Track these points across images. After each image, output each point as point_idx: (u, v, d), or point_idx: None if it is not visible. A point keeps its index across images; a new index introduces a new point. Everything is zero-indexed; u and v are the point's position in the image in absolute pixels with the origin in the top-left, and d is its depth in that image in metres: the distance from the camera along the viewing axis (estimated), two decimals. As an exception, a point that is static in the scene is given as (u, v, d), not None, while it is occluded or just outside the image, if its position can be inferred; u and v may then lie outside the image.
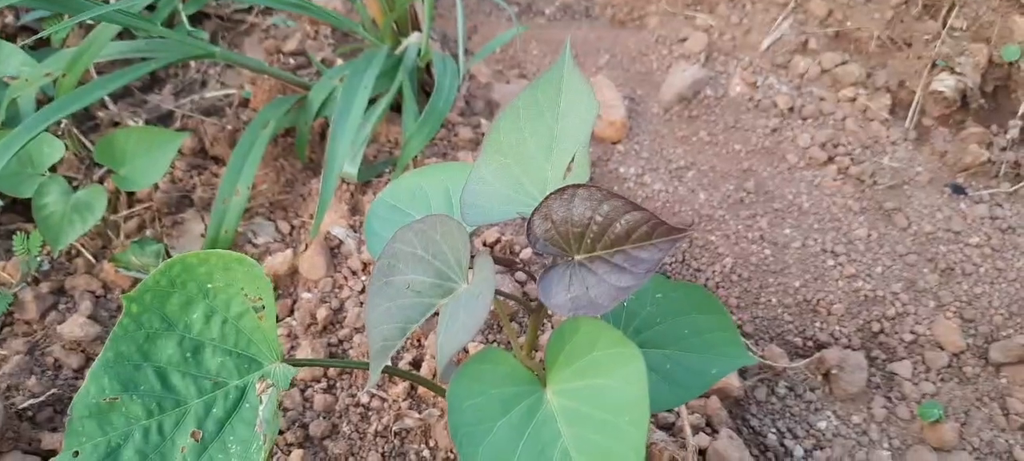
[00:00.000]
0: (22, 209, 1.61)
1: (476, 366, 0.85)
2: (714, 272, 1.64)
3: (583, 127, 0.93)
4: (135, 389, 0.93)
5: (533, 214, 0.83)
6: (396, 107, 1.66)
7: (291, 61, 1.89)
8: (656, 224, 0.80)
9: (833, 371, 1.47)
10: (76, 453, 0.90)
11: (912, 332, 1.55)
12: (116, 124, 1.80)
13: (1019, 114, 1.86)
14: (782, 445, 1.40)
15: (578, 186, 0.81)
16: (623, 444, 0.78)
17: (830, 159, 1.84)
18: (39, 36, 1.95)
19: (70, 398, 1.31)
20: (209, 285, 0.96)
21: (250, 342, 0.96)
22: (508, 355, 0.87)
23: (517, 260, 1.47)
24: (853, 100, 1.95)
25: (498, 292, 0.94)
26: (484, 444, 0.81)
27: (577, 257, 0.84)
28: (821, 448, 1.40)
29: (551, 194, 0.82)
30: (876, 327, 1.56)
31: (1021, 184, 1.79)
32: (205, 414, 0.94)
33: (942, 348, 1.54)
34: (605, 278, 0.82)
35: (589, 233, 0.82)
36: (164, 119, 1.83)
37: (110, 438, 0.92)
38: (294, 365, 0.96)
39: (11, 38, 1.98)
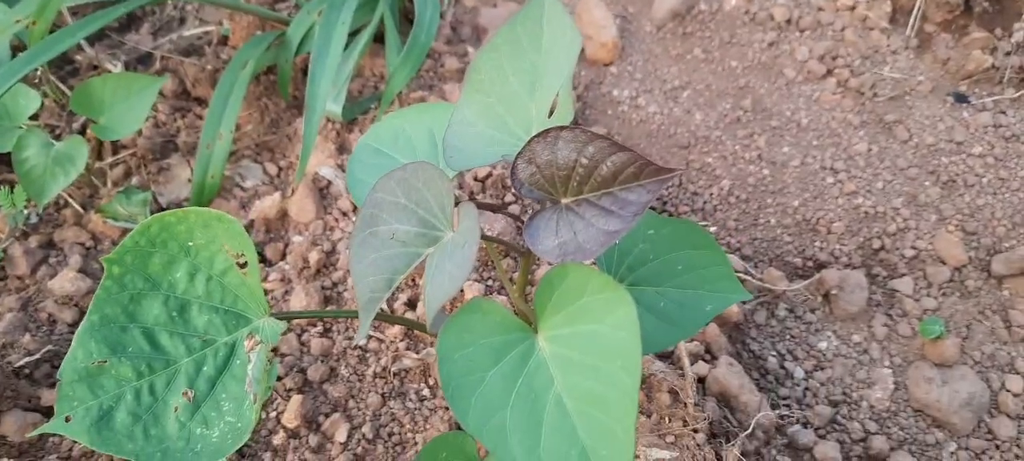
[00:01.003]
0: (5, 158, 1.58)
1: (465, 317, 0.83)
2: (712, 195, 1.61)
3: (566, 62, 0.90)
4: (123, 351, 0.92)
5: (517, 158, 0.80)
6: (380, 38, 1.61)
7: (270, -6, 1.83)
8: (643, 164, 0.78)
9: (833, 291, 1.46)
10: (68, 418, 0.89)
11: (913, 247, 1.53)
12: (95, 68, 1.76)
13: (1024, 16, 1.80)
14: (783, 367, 1.40)
15: (562, 128, 0.78)
16: (616, 390, 0.77)
17: (829, 72, 1.79)
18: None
19: (66, 353, 1.30)
20: (190, 243, 0.94)
21: (236, 298, 0.94)
22: (497, 304, 0.85)
23: (505, 201, 1.45)
24: (852, 8, 1.89)
25: (486, 236, 0.92)
26: (476, 395, 0.80)
27: (564, 200, 0.82)
28: (822, 369, 1.40)
29: (534, 137, 0.79)
30: (877, 244, 1.54)
31: (1025, 89, 1.74)
32: (196, 373, 0.93)
33: (944, 262, 1.52)
34: (593, 222, 0.80)
35: (575, 176, 0.80)
36: (143, 60, 1.78)
37: (102, 401, 0.91)
38: (282, 319, 0.95)
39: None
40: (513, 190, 0.82)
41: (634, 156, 0.76)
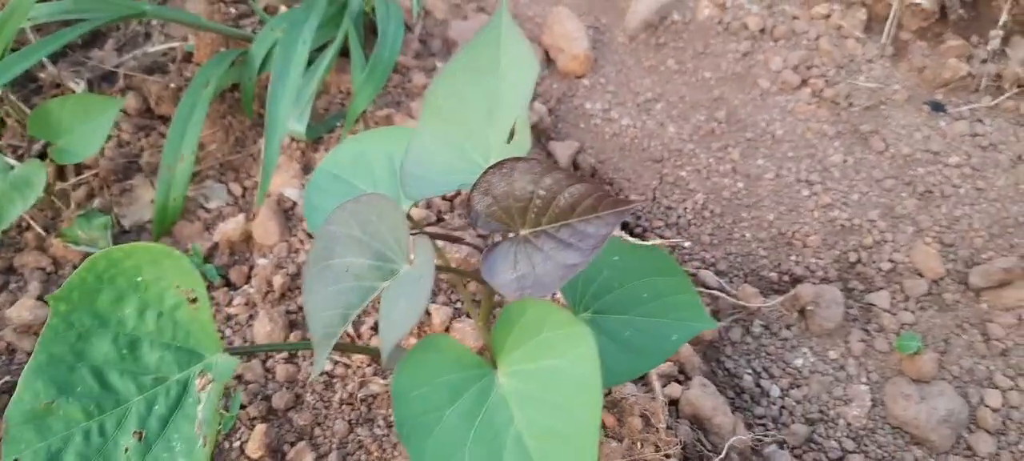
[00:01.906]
0: (-36, 184, 1.54)
1: (420, 354, 0.81)
2: (685, 209, 1.59)
3: (525, 87, 0.88)
4: (71, 391, 0.89)
5: (473, 190, 0.78)
6: (346, 53, 1.58)
7: (232, 10, 1.79)
8: (601, 196, 0.76)
9: (809, 307, 1.44)
10: (14, 462, 0.86)
11: (890, 260, 1.52)
12: (58, 86, 1.72)
13: (1000, 23, 1.79)
14: (758, 386, 1.38)
15: (517, 159, 0.76)
16: (576, 427, 0.75)
17: (804, 82, 1.78)
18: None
19: (19, 389, 1.27)
20: (138, 279, 0.91)
21: (188, 334, 0.91)
22: (454, 340, 0.83)
23: (461, 231, 1.42)
24: (826, 17, 1.87)
25: (448, 268, 0.90)
26: (433, 435, 0.78)
27: (522, 232, 0.80)
28: (798, 386, 1.38)
29: (490, 169, 0.77)
30: (853, 257, 1.52)
31: (1002, 97, 1.73)
32: (147, 412, 0.90)
33: (921, 275, 1.50)
34: (551, 255, 0.78)
35: (532, 207, 0.78)
36: (107, 78, 1.74)
37: (50, 443, 0.88)
38: (236, 354, 0.92)
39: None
40: (470, 222, 0.79)
41: (591, 188, 0.74)
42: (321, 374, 1.28)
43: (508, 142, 0.89)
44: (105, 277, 0.90)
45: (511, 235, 0.80)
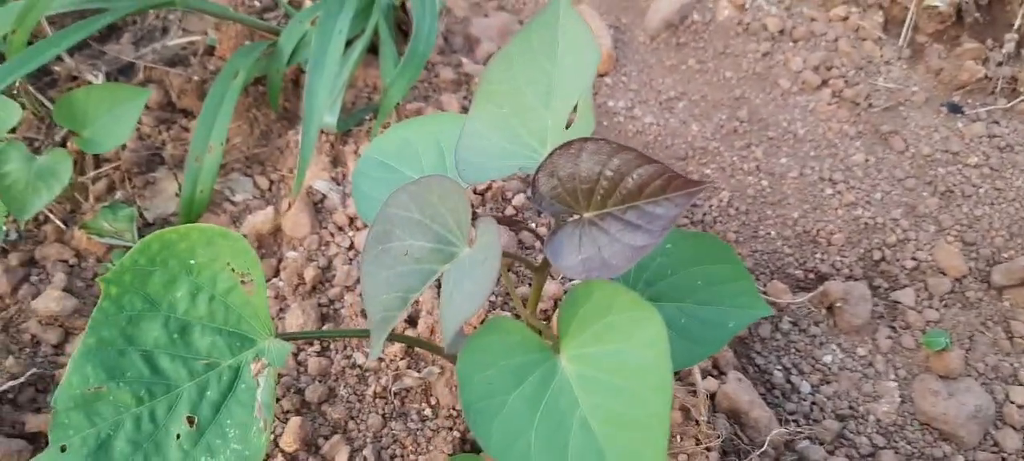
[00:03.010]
0: (-19, 175, 1.52)
1: (484, 337, 0.80)
2: (711, 207, 1.59)
3: (585, 72, 0.87)
4: (121, 376, 0.88)
5: (538, 171, 0.77)
6: (373, 48, 1.57)
7: (256, 3, 1.78)
8: (671, 177, 0.75)
9: (837, 304, 1.44)
10: (63, 448, 0.85)
11: (913, 258, 1.52)
12: (74, 79, 1.70)
13: (1015, 27, 1.81)
14: (789, 382, 1.38)
15: (585, 140, 0.75)
16: (645, 412, 0.75)
17: (824, 82, 1.79)
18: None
19: (52, 376, 1.25)
20: (191, 261, 0.89)
21: (240, 318, 0.90)
22: (517, 323, 0.82)
23: (506, 213, 1.42)
24: (845, 19, 1.88)
25: (505, 253, 0.89)
26: (498, 418, 0.77)
27: (586, 215, 0.79)
28: (827, 382, 1.39)
29: (556, 150, 0.76)
30: (877, 255, 1.53)
31: (1018, 100, 1.75)
32: (199, 398, 0.88)
33: (944, 273, 1.51)
34: (618, 237, 0.77)
35: (599, 189, 0.77)
36: (125, 71, 1.73)
37: (99, 429, 0.86)
38: (288, 339, 0.91)
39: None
40: (532, 204, 0.79)
41: (661, 168, 0.74)
42: (354, 367, 1.26)
43: (567, 127, 0.88)
44: (158, 259, 0.89)
45: (575, 217, 0.79)
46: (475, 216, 0.80)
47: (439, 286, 1.28)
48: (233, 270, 0.88)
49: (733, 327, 0.92)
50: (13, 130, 1.44)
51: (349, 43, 1.48)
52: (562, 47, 0.91)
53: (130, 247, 1.41)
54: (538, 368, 0.81)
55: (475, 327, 1.30)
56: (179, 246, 0.89)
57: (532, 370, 0.80)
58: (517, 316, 1.28)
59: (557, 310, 0.93)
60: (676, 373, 1.27)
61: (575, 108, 0.87)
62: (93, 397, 0.87)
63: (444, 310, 0.78)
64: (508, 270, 1.38)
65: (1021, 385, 1.40)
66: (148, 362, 0.88)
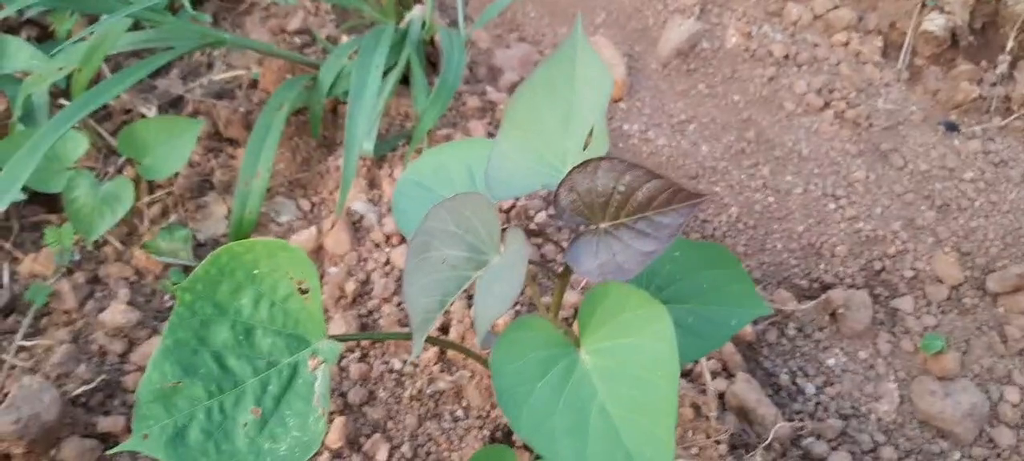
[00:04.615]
0: (44, 201, 1.65)
1: (514, 333, 0.91)
2: (721, 222, 1.70)
3: (599, 99, 0.98)
4: (195, 372, 0.99)
5: (559, 187, 0.88)
6: (404, 79, 1.70)
7: (296, 40, 1.92)
8: (676, 190, 0.86)
9: (839, 310, 1.54)
10: (145, 436, 0.96)
11: (912, 268, 1.62)
12: (128, 111, 1.84)
13: (1007, 49, 1.92)
14: (794, 384, 1.48)
15: (601, 159, 0.86)
16: (657, 397, 0.85)
17: (826, 104, 1.90)
18: (44, 28, 1.98)
19: (119, 382, 1.37)
20: (255, 271, 1.01)
21: (297, 322, 1.02)
22: (543, 321, 0.93)
23: (533, 225, 1.54)
24: (846, 44, 2.00)
25: (530, 261, 1.00)
26: (527, 405, 0.88)
27: (602, 225, 0.89)
28: (831, 384, 1.48)
29: (575, 168, 0.87)
30: (878, 265, 1.63)
31: (1011, 118, 1.85)
32: (262, 392, 1.00)
33: (941, 282, 1.61)
34: (630, 244, 0.87)
35: (612, 202, 0.87)
36: (174, 104, 1.87)
37: (176, 419, 0.98)
38: (339, 340, 1.02)
39: (14, 31, 2.01)
40: (554, 215, 0.90)
41: (667, 183, 0.84)
42: (392, 371, 1.38)
43: (584, 149, 0.99)
44: (226, 270, 1.00)
45: (592, 227, 0.90)
46: (504, 228, 0.92)
47: (469, 297, 1.40)
48: (291, 279, 1.00)
49: (735, 324, 1.03)
50: (79, 158, 1.58)
51: (383, 75, 1.61)
52: (579, 78, 1.01)
53: (186, 265, 1.54)
54: (561, 360, 0.91)
55: (500, 329, 1.41)
56: (245, 258, 1.01)
57: (556, 362, 0.91)
58: (541, 323, 1.39)
59: (576, 315, 1.04)
60: (687, 372, 1.37)
61: (591, 132, 0.98)
62: (170, 391, 0.98)
63: (477, 310, 0.89)
64: (533, 280, 1.49)
65: (1015, 385, 1.49)
66: (217, 360, 1.00)
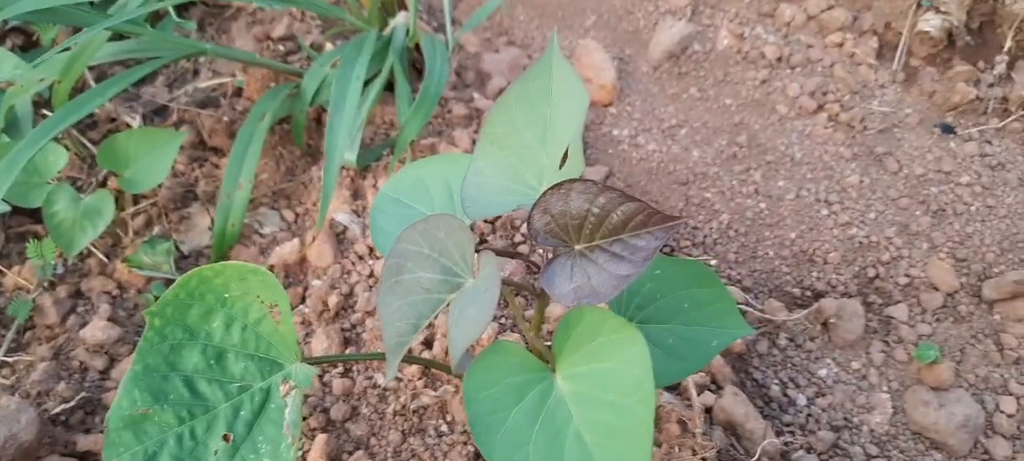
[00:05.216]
0: (29, 212, 1.64)
1: (489, 358, 0.89)
2: (711, 229, 1.68)
3: (575, 116, 0.96)
4: (165, 398, 0.98)
5: (533, 209, 0.86)
6: (389, 87, 1.68)
7: (280, 48, 1.90)
8: (651, 213, 0.84)
9: (831, 320, 1.52)
10: (115, 463, 0.95)
11: (907, 275, 1.60)
12: (113, 120, 1.82)
13: (1005, 48, 1.88)
14: (785, 395, 1.46)
15: (574, 181, 0.85)
16: (632, 422, 0.83)
17: (820, 107, 1.87)
18: (29, 36, 1.97)
19: (100, 399, 1.36)
20: (226, 294, 0.99)
21: (270, 345, 1.00)
22: (518, 346, 0.91)
23: (515, 241, 1.51)
24: (840, 45, 1.97)
25: (504, 281, 0.98)
26: (501, 431, 0.86)
27: (577, 247, 0.87)
28: (823, 395, 1.46)
29: (548, 190, 0.85)
30: (871, 273, 1.61)
31: (1009, 119, 1.82)
32: (234, 417, 0.98)
33: (936, 289, 1.58)
34: (605, 267, 0.85)
35: (587, 224, 0.86)
36: (159, 112, 1.85)
37: (146, 446, 0.96)
38: (312, 363, 1.01)
39: (0, 40, 1.99)
40: (529, 239, 0.88)
41: (642, 206, 0.83)
42: (375, 387, 1.36)
43: (560, 167, 0.97)
44: (196, 294, 0.99)
45: (567, 250, 0.88)
46: (478, 249, 0.90)
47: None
48: (263, 302, 0.99)
49: (716, 345, 1.01)
50: (59, 172, 1.56)
51: (367, 83, 1.59)
52: (556, 93, 0.99)
53: (168, 278, 1.53)
54: (536, 386, 0.89)
55: (484, 345, 1.39)
56: (215, 282, 0.99)
57: (531, 388, 0.89)
58: (525, 337, 1.37)
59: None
60: (673, 387, 1.35)
61: (566, 152, 0.96)
62: (140, 418, 0.97)
63: (451, 334, 0.87)
64: (516, 295, 1.47)
65: (1011, 395, 1.46)
66: (188, 386, 0.98)
